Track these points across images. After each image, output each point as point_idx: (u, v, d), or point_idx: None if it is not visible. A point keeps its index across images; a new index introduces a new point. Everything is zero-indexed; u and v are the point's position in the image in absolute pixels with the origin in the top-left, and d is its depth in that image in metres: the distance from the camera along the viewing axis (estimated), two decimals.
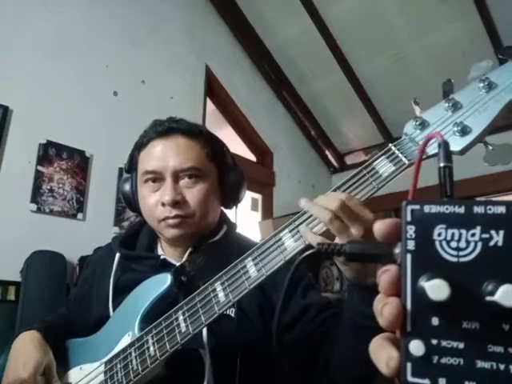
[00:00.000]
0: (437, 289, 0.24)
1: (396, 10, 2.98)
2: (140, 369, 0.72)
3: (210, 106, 3.23)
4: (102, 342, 0.84)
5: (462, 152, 0.58)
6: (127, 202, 0.95)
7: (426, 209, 0.26)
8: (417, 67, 3.20)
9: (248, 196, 3.42)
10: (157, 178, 0.85)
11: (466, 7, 2.78)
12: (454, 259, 0.25)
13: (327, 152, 4.09)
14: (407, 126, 0.63)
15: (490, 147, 0.58)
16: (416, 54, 3.14)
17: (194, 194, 0.85)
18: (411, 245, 0.25)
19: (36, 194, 2.11)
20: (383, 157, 0.63)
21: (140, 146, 0.91)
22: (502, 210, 0.24)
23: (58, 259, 2.07)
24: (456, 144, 0.58)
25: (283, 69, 3.64)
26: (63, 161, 2.23)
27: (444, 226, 0.25)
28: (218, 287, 0.68)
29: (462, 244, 0.25)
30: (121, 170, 2.39)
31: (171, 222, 0.83)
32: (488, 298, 0.23)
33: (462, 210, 0.25)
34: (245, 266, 0.67)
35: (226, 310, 0.68)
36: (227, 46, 3.39)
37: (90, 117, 2.39)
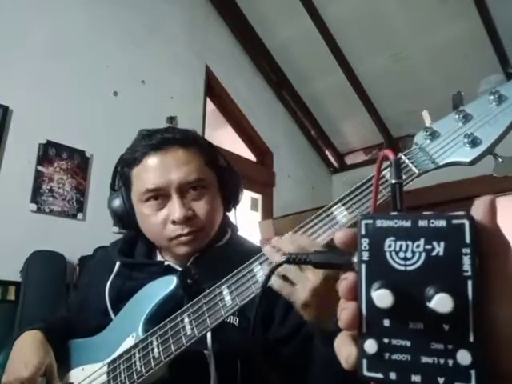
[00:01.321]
0: (382, 298, 0.27)
1: (396, 9, 2.99)
2: (144, 370, 0.72)
3: (210, 105, 3.23)
4: (104, 343, 0.83)
5: (472, 163, 0.59)
6: (119, 220, 0.90)
7: (378, 223, 0.29)
8: (417, 67, 3.20)
9: (248, 196, 3.42)
10: (159, 194, 0.81)
11: (465, 7, 2.78)
12: (402, 268, 0.28)
13: (327, 152, 4.09)
14: (417, 137, 0.64)
15: (500, 159, 0.59)
16: (416, 54, 3.15)
17: (202, 206, 0.82)
18: (365, 255, 0.29)
19: (36, 194, 2.11)
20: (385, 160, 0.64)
21: (131, 161, 0.85)
22: (442, 223, 0.27)
23: (58, 259, 2.07)
24: (466, 155, 0.59)
25: (283, 69, 3.64)
26: (63, 161, 2.23)
27: (393, 238, 0.28)
28: (225, 291, 0.68)
29: (409, 254, 0.28)
30: None
31: (184, 239, 0.81)
32: (427, 304, 0.26)
33: (408, 223, 0.28)
34: (252, 270, 0.67)
35: (229, 319, 0.68)
36: (227, 46, 3.39)
37: (90, 117, 2.39)
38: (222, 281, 0.69)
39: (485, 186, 3.13)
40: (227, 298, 0.67)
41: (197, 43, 3.10)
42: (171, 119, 2.73)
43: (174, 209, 0.79)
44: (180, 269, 0.86)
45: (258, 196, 3.50)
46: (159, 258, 0.93)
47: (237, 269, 0.68)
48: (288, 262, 0.36)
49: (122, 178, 0.89)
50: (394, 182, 0.32)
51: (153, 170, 0.81)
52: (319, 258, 0.34)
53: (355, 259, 0.30)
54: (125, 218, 0.89)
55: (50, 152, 2.19)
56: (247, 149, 3.53)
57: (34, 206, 2.09)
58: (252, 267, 0.67)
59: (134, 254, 0.94)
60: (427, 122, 0.64)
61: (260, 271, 0.66)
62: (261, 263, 0.66)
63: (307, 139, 3.98)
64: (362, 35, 3.17)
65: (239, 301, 0.66)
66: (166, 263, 0.88)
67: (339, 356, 0.30)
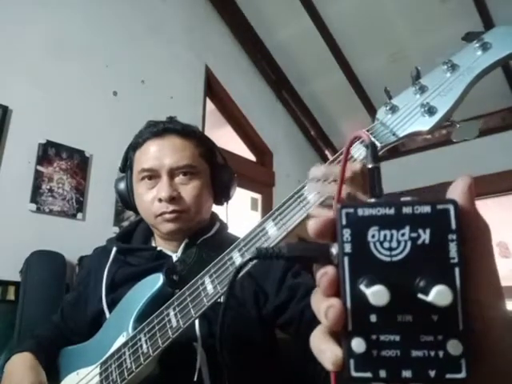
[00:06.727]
0: (378, 295, 0.25)
1: (396, 9, 2.98)
2: (134, 366, 0.73)
3: (210, 105, 3.23)
4: (97, 345, 0.84)
5: (430, 131, 0.60)
6: (123, 200, 0.98)
7: (360, 212, 0.27)
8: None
9: (248, 196, 3.42)
10: (153, 175, 0.89)
11: (465, 7, 2.78)
12: (388, 259, 0.26)
13: (327, 152, 4.09)
14: (379, 112, 0.66)
15: (458, 125, 0.61)
16: (415, 54, 3.14)
17: (188, 190, 0.89)
18: (348, 247, 0.27)
19: (35, 194, 2.11)
20: (357, 141, 0.65)
21: (135, 145, 0.94)
22: (427, 209, 0.26)
23: (58, 259, 2.07)
24: (424, 124, 0.60)
25: (283, 69, 3.64)
26: (63, 161, 2.23)
27: (377, 227, 0.27)
28: (207, 280, 0.70)
29: (394, 244, 0.26)
30: None
31: (168, 216, 0.87)
32: (421, 296, 0.25)
33: (392, 211, 0.27)
34: (231, 258, 0.69)
35: (217, 299, 0.70)
36: (227, 46, 3.39)
37: (90, 117, 2.39)
38: (204, 271, 0.71)
39: (485, 186, 3.14)
40: (209, 287, 0.69)
41: (197, 43, 3.10)
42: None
43: (162, 188, 0.87)
44: (171, 254, 0.91)
45: (258, 196, 3.50)
46: (154, 244, 0.98)
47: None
48: (258, 257, 0.33)
49: (128, 160, 0.97)
50: (371, 166, 0.30)
51: (150, 153, 0.90)
52: (293, 251, 0.31)
53: (334, 251, 0.28)
54: (126, 198, 0.97)
55: (49, 152, 2.19)
56: (247, 149, 3.53)
57: (33, 206, 2.09)
58: (231, 255, 0.69)
59: (131, 242, 1.00)
60: (388, 98, 0.66)
61: (239, 258, 0.68)
62: (239, 250, 0.68)
63: (307, 139, 3.98)
64: (362, 35, 3.17)
65: (220, 288, 0.69)
66: (159, 248, 0.93)
67: (320, 357, 0.27)
